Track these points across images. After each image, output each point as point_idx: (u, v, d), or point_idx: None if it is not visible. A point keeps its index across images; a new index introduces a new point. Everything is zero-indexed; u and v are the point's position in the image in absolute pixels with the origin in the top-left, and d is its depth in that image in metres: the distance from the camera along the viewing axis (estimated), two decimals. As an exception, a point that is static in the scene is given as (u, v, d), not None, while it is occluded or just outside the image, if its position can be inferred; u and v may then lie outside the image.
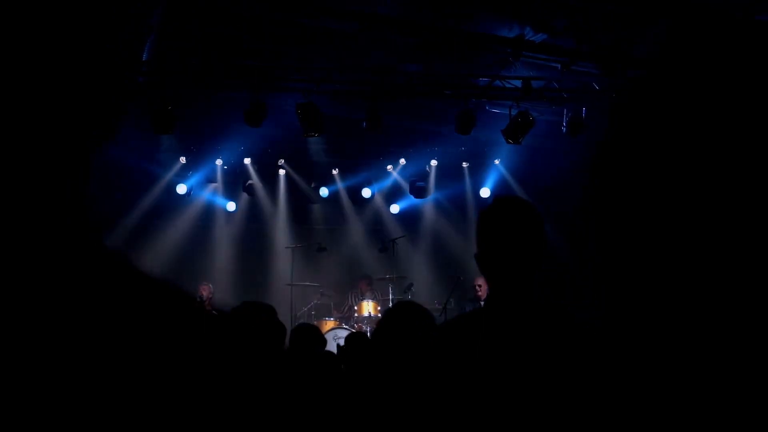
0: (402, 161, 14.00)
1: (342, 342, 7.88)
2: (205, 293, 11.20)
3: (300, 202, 14.56)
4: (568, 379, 2.05)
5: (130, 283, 0.74)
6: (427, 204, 14.69)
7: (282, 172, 14.15)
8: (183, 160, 13.17)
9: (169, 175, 13.25)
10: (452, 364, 2.31)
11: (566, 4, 8.50)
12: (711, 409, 0.82)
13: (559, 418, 2.02)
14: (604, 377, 0.86)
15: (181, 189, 13.19)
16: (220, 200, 14.16)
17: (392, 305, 3.47)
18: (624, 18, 8.65)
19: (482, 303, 9.48)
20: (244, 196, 14.02)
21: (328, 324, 11.43)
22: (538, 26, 9.13)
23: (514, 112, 10.98)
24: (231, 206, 14.17)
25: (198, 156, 13.27)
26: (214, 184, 13.84)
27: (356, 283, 12.87)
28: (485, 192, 13.87)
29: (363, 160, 13.92)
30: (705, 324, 0.83)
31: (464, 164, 14.24)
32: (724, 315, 0.83)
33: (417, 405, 2.45)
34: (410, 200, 14.54)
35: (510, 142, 11.22)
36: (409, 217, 14.63)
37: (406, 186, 14.38)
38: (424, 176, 14.23)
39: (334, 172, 14.27)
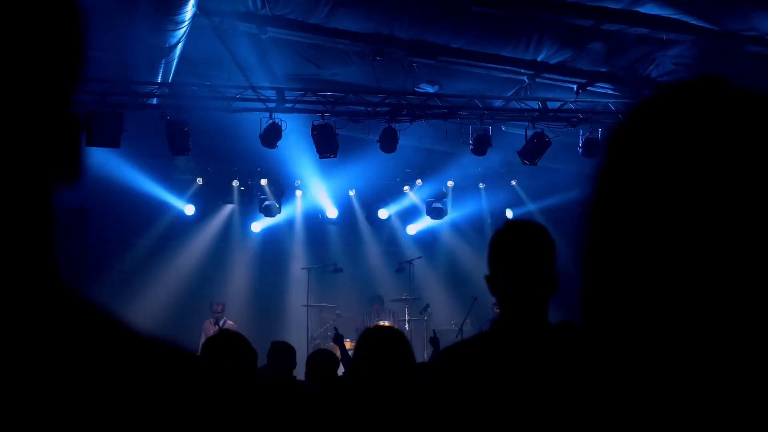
0: (419, 182, 13.98)
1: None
2: (218, 309, 11.38)
3: (316, 223, 14.57)
4: (579, 405, 1.99)
5: (111, 342, 0.69)
6: (444, 225, 14.66)
7: (298, 192, 14.18)
8: (200, 181, 13.23)
9: (185, 196, 13.30)
10: (455, 389, 2.27)
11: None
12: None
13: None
14: (615, 402, 0.83)
15: (189, 210, 13.28)
16: (236, 221, 14.19)
17: (362, 333, 3.45)
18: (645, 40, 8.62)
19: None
20: (261, 216, 14.06)
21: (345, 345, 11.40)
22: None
23: (530, 132, 10.92)
24: (256, 227, 14.21)
25: (214, 177, 13.32)
26: (230, 206, 13.88)
27: (369, 305, 12.82)
28: (509, 214, 13.80)
29: (379, 181, 13.89)
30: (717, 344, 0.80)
31: (481, 185, 14.21)
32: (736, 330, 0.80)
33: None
34: (427, 221, 14.52)
35: (526, 163, 11.16)
36: (425, 238, 14.59)
37: (422, 207, 14.36)
38: (441, 197, 14.19)
39: (351, 193, 14.28)
